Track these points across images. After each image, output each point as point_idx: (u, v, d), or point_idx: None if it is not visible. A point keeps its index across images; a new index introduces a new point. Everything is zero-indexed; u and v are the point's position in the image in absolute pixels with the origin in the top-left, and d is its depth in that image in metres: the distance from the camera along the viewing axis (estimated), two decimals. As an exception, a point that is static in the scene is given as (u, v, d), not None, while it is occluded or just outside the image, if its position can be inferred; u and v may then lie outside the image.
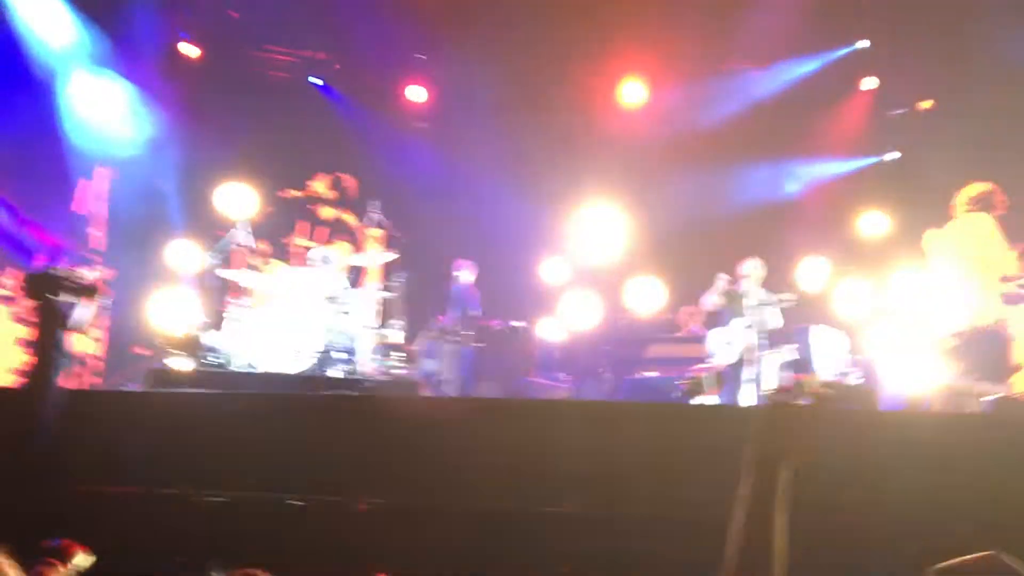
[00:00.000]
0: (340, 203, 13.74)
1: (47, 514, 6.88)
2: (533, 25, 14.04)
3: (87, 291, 8.22)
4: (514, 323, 13.00)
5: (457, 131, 15.02)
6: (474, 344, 13.09)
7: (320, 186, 12.85)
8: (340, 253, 11.37)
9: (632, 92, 14.81)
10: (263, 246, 12.14)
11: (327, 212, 12.68)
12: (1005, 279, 9.11)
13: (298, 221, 15.11)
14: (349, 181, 13.66)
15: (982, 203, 9.59)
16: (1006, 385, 11.19)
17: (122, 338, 13.62)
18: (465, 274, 12.71)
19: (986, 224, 9.35)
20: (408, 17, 14.22)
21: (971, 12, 13.16)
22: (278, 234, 15.06)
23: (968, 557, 2.01)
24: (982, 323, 9.27)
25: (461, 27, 14.26)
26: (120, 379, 12.59)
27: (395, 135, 15.28)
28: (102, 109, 13.71)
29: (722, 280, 11.12)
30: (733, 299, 10.81)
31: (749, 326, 10.44)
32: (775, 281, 10.86)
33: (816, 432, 1.91)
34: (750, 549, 1.86)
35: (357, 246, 12.52)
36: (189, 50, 14.30)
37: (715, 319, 11.06)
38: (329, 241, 12.41)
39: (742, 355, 10.45)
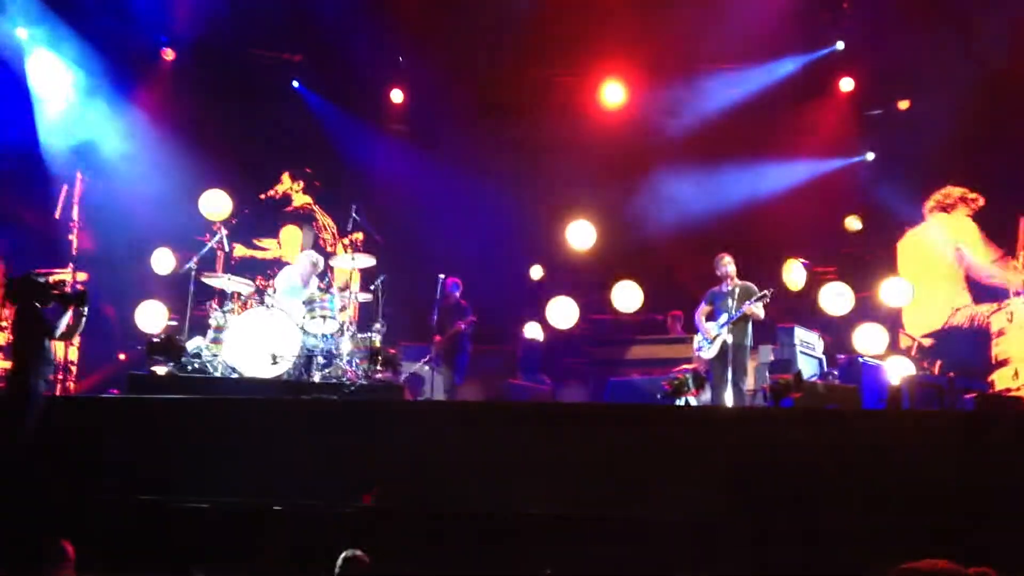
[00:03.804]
0: (311, 196, 13.77)
1: (29, 520, 6.83)
2: (513, 29, 14.00)
3: (75, 299, 8.12)
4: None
5: (437, 134, 15.00)
6: (462, 350, 12.95)
7: (290, 184, 12.87)
8: (321, 257, 11.28)
9: (612, 94, 14.82)
10: (243, 250, 12.07)
11: (299, 201, 12.73)
12: (978, 279, 9.21)
13: (277, 224, 15.07)
14: (315, 175, 13.66)
15: (956, 205, 9.72)
16: (985, 382, 11.30)
17: (102, 344, 13.54)
18: (455, 290, 12.58)
19: (961, 225, 9.45)
20: (388, 21, 14.17)
21: (948, 13, 13.25)
22: (257, 236, 15.03)
23: (927, 561, 2.03)
24: (958, 321, 9.35)
25: (441, 30, 14.23)
26: (100, 385, 12.49)
27: (374, 139, 15.24)
28: (77, 112, 13.65)
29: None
30: (718, 297, 10.76)
31: (728, 322, 10.40)
32: (756, 281, 10.82)
33: None
34: None
35: (334, 248, 12.44)
36: (167, 54, 14.26)
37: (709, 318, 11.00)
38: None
39: (725, 353, 10.39)
